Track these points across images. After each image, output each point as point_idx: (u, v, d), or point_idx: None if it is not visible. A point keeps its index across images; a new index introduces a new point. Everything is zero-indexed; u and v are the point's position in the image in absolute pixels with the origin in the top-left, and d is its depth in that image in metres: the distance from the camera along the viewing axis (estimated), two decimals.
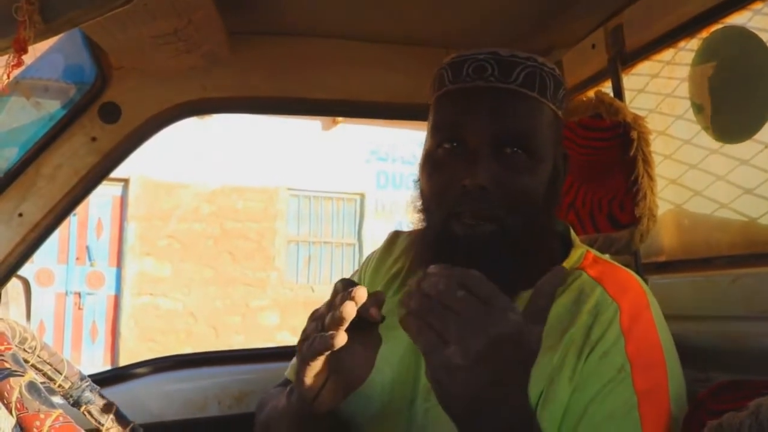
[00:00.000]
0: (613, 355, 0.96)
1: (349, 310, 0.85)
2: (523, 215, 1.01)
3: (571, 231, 1.14)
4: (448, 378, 0.77)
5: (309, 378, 0.91)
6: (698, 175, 1.41)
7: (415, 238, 1.15)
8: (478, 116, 1.02)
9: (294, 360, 1.21)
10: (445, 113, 1.07)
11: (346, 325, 0.86)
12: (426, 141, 1.10)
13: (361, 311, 0.87)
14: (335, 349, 0.86)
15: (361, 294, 0.86)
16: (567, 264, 1.07)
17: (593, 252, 1.11)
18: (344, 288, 0.90)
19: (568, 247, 1.11)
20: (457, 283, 0.78)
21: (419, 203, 1.10)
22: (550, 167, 1.05)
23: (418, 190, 1.11)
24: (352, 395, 1.06)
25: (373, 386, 1.08)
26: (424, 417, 1.05)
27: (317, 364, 0.90)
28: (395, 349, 1.08)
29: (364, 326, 0.90)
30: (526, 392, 0.82)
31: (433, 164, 1.06)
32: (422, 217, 1.10)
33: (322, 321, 0.89)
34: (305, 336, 0.91)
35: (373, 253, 1.31)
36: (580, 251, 1.10)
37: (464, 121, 1.03)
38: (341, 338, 0.86)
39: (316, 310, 0.93)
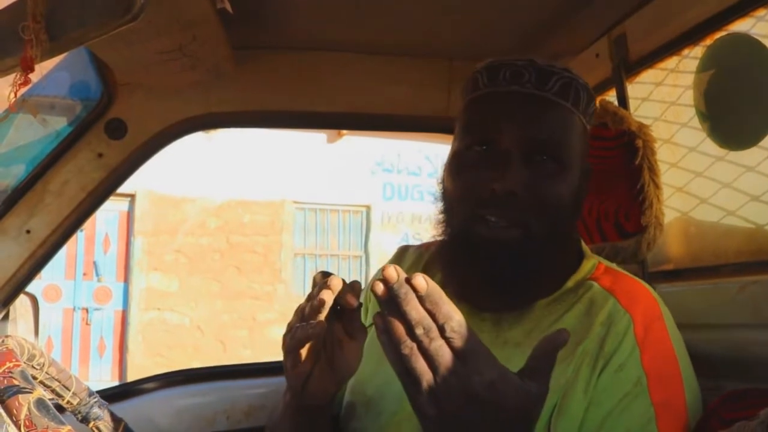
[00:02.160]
0: (629, 367, 0.95)
1: (326, 298, 0.88)
2: (549, 223, 1.00)
3: (582, 242, 1.14)
4: (423, 423, 0.75)
5: (294, 369, 0.93)
6: (704, 182, 1.41)
7: (437, 247, 1.12)
8: (513, 121, 1.01)
9: None
10: (479, 116, 1.05)
11: (324, 312, 0.88)
12: (454, 142, 1.08)
13: (339, 299, 0.90)
14: (315, 337, 0.89)
15: (336, 282, 0.89)
16: (578, 275, 1.07)
17: (604, 262, 1.11)
18: (322, 279, 0.92)
19: (580, 257, 1.11)
20: (438, 326, 0.71)
21: (441, 205, 1.09)
22: (577, 177, 1.05)
23: (441, 192, 1.09)
24: (364, 410, 1.05)
25: (384, 398, 1.09)
26: None
27: (301, 355, 0.92)
28: None
29: (346, 316, 0.93)
30: None
31: (461, 165, 1.04)
32: (443, 219, 1.08)
33: (303, 313, 0.92)
34: (288, 329, 0.94)
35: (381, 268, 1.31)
36: (591, 262, 1.10)
37: (498, 124, 1.02)
38: (320, 326, 0.88)
39: (300, 305, 0.95)
